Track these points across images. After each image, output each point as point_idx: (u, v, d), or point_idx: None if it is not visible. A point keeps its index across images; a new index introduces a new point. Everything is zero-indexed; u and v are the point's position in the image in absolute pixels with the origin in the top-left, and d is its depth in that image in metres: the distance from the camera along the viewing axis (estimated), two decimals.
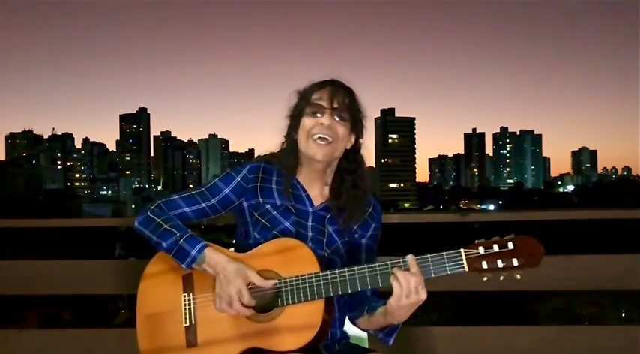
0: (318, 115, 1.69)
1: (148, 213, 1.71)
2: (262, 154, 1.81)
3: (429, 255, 1.51)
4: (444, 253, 1.51)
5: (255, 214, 1.73)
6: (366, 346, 1.86)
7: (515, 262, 1.48)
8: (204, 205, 1.75)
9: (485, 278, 1.50)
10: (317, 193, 1.76)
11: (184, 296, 1.68)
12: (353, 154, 1.77)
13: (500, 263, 1.49)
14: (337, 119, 1.69)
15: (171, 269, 1.69)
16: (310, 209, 1.74)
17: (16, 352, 2.70)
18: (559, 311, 21.67)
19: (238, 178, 1.75)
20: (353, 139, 1.75)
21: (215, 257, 1.62)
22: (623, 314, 22.86)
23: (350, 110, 1.70)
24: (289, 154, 1.74)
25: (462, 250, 1.50)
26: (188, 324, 1.65)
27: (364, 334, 1.90)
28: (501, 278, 1.50)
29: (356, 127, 1.74)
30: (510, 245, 1.49)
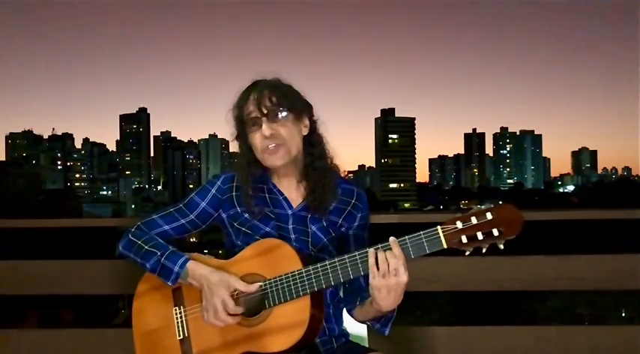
0: (257, 127, 1.67)
1: (129, 236, 1.73)
2: (234, 161, 1.79)
3: (406, 236, 1.49)
4: (422, 232, 1.49)
5: (235, 224, 1.73)
6: (367, 345, 1.85)
7: (495, 232, 1.43)
8: (183, 221, 1.76)
9: (467, 253, 1.46)
10: (295, 193, 1.75)
11: (175, 310, 1.69)
12: (309, 136, 1.74)
13: (480, 235, 1.44)
14: (277, 120, 1.66)
15: (161, 285, 1.69)
16: (290, 211, 1.73)
17: (16, 352, 2.70)
18: (559, 311, 21.67)
19: (213, 191, 1.75)
20: (306, 122, 1.73)
21: (198, 270, 1.63)
22: (623, 314, 22.86)
23: (282, 105, 1.66)
24: (251, 164, 1.72)
25: (438, 227, 1.47)
26: (182, 337, 1.67)
27: (364, 334, 1.90)
28: (484, 250, 1.46)
29: (299, 112, 1.70)
30: (489, 215, 1.44)
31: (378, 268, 1.48)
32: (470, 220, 1.45)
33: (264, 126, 1.65)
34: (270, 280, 1.58)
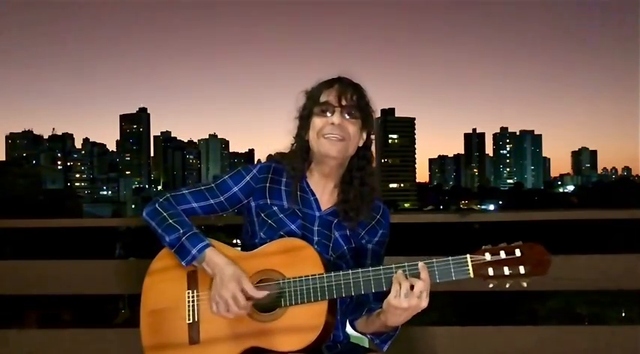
0: (328, 114, 1.68)
1: (156, 205, 1.72)
2: (273, 154, 1.80)
3: (434, 260, 1.50)
4: (450, 258, 1.49)
5: (262, 215, 1.73)
6: (366, 345, 1.86)
7: (522, 269, 1.45)
8: (212, 201, 1.75)
9: (490, 285, 1.48)
10: (326, 196, 1.75)
11: (188, 293, 1.68)
12: (363, 150, 1.75)
13: (506, 271, 1.46)
14: (347, 117, 1.68)
15: (177, 266, 1.68)
16: (317, 213, 1.73)
17: (16, 352, 2.70)
18: (559, 311, 21.66)
19: (248, 178, 1.75)
20: (364, 136, 1.75)
21: (215, 258, 1.62)
22: (623, 314, 22.85)
23: (359, 107, 1.69)
24: (299, 155, 1.73)
25: (468, 256, 1.48)
26: (191, 321, 1.65)
27: None
28: (507, 286, 1.47)
29: (366, 123, 1.73)
30: (518, 252, 1.46)
31: (400, 287, 1.47)
32: (498, 254, 1.47)
33: (335, 114, 1.67)
34: (289, 279, 1.58)
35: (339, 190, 1.74)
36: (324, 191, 1.75)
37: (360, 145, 1.74)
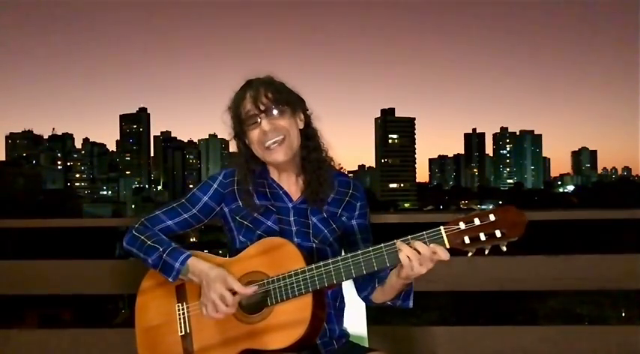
0: (256, 124, 1.69)
1: (133, 231, 1.74)
2: (233, 159, 1.80)
3: (409, 236, 1.50)
4: (424, 232, 1.49)
5: (237, 218, 1.75)
6: (367, 345, 1.86)
7: (498, 233, 1.43)
8: (186, 216, 1.77)
9: (469, 254, 1.46)
10: (293, 188, 1.77)
11: (178, 306, 1.70)
12: (305, 130, 1.76)
13: (482, 236, 1.44)
14: (274, 115, 1.68)
15: (165, 282, 1.70)
16: (290, 204, 1.75)
17: (16, 352, 2.70)
18: (559, 311, 21.68)
19: (215, 185, 1.78)
20: (302, 116, 1.76)
21: (199, 266, 1.64)
22: (623, 314, 22.87)
23: (278, 100, 1.69)
24: (249, 161, 1.75)
25: (441, 227, 1.47)
26: (184, 333, 1.67)
27: (364, 334, 1.90)
28: (486, 252, 1.46)
29: (295, 106, 1.73)
30: (492, 217, 1.44)
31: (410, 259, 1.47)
32: (473, 221, 1.45)
33: (263, 122, 1.68)
34: (272, 278, 1.59)
35: (302, 179, 1.76)
36: (289, 184, 1.77)
37: (301, 127, 1.75)
